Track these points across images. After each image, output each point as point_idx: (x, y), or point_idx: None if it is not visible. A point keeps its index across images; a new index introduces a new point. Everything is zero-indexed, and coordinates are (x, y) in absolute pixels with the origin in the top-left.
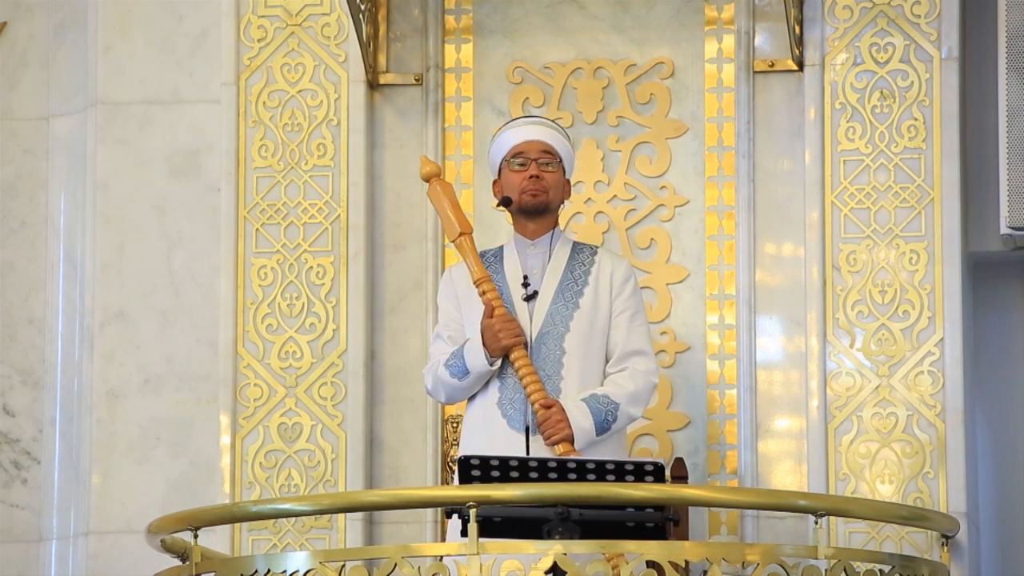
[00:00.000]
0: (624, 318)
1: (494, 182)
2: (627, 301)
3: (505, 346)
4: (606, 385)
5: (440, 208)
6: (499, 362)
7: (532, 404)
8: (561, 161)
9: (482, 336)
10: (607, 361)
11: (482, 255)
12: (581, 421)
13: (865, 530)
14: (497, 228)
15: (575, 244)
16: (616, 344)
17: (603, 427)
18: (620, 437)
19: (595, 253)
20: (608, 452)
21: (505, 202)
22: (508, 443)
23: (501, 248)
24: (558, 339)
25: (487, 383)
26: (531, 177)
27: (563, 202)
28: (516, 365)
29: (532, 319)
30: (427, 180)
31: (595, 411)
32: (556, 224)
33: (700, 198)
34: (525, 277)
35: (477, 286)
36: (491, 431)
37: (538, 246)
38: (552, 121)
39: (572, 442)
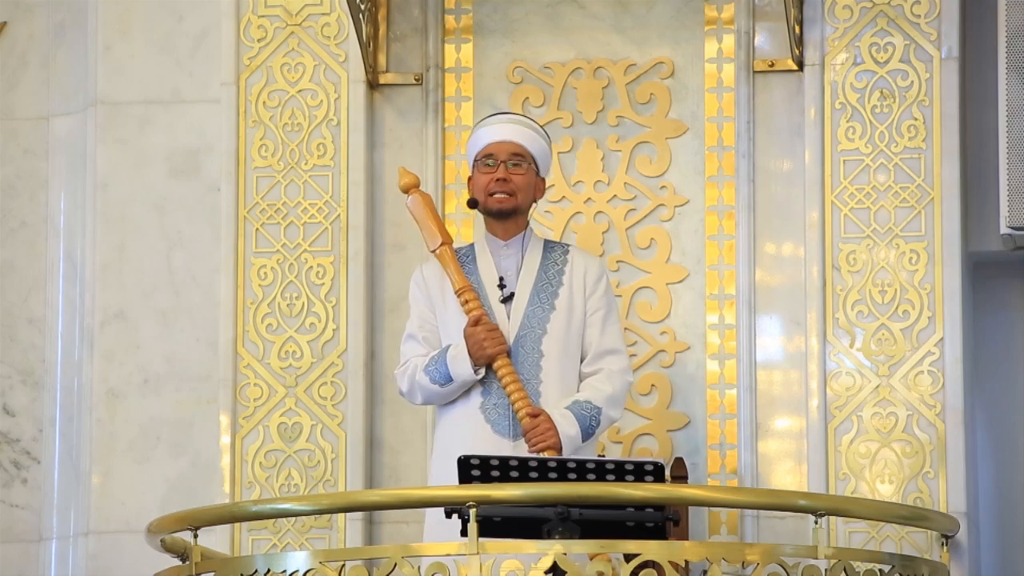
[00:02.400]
0: (598, 317)
1: (469, 179)
2: (600, 300)
3: (490, 355)
4: (584, 389)
5: (420, 219)
6: (484, 371)
7: (517, 412)
8: (533, 161)
9: (467, 344)
10: (582, 360)
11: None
12: (568, 429)
13: (865, 530)
14: (469, 225)
15: (547, 243)
16: (590, 343)
17: (588, 433)
18: (592, 440)
19: (567, 252)
20: (585, 451)
21: (471, 203)
22: (495, 449)
23: (472, 247)
24: (536, 341)
25: (468, 389)
26: (498, 180)
27: (535, 202)
28: (500, 374)
29: (510, 321)
30: (406, 191)
31: (580, 418)
32: (527, 225)
33: (700, 198)
34: (501, 279)
35: (459, 295)
36: (475, 436)
37: (511, 247)
38: (529, 118)
39: (558, 450)
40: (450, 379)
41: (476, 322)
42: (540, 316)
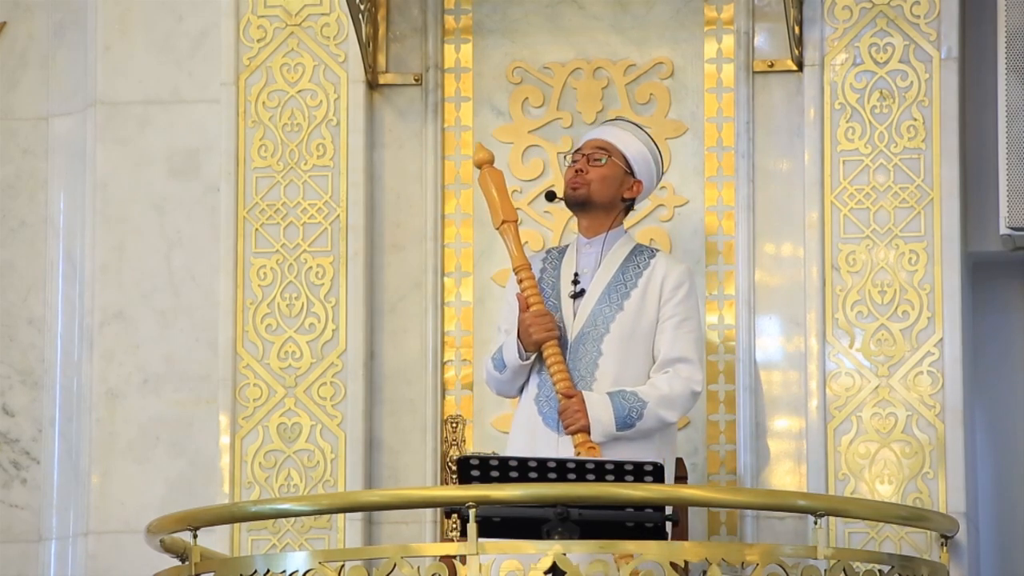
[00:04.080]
0: (671, 324)
1: None
2: (676, 307)
3: (537, 340)
4: (644, 385)
5: (487, 194)
6: (532, 357)
7: (557, 394)
8: (622, 158)
9: (518, 330)
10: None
11: (548, 251)
12: (600, 413)
13: (864, 530)
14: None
15: (636, 246)
16: (659, 349)
17: (625, 423)
18: (665, 438)
19: (653, 256)
20: (648, 453)
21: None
22: (545, 441)
23: (567, 246)
24: (597, 340)
25: (529, 379)
26: (576, 171)
27: (624, 201)
28: (546, 356)
29: (575, 317)
30: (479, 166)
31: (617, 406)
32: (617, 223)
33: (699, 198)
34: (576, 274)
35: (516, 273)
36: (529, 428)
37: (593, 245)
38: (630, 123)
39: (588, 432)
40: (504, 365)
41: (527, 308)
42: (606, 315)
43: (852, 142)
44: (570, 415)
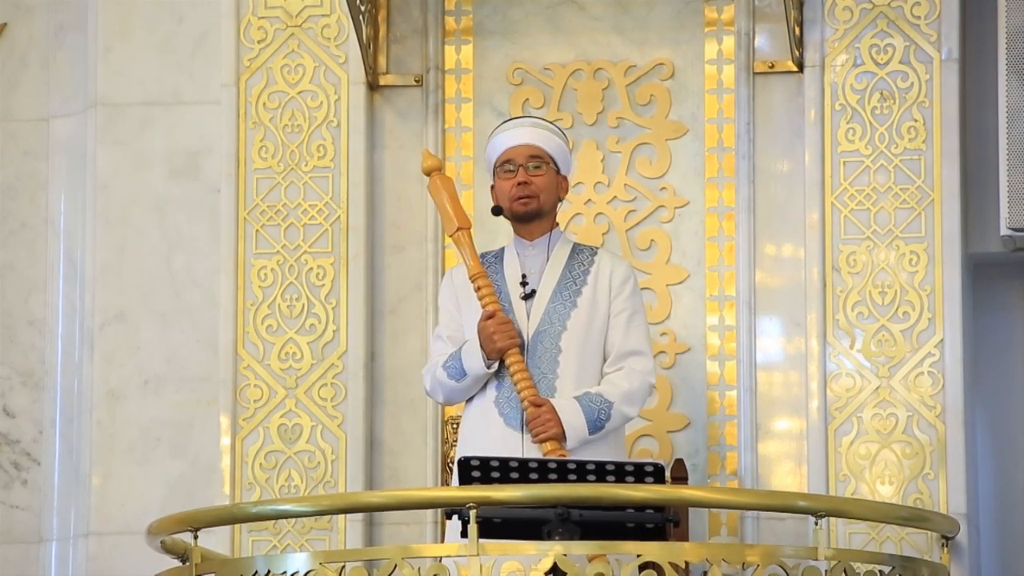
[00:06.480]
0: (622, 318)
1: (491, 187)
2: (626, 301)
3: (500, 348)
4: (602, 384)
5: (439, 202)
6: (496, 365)
7: (523, 402)
8: (553, 161)
9: (479, 338)
10: (605, 361)
11: (482, 256)
12: (572, 419)
13: (865, 531)
14: (496, 230)
15: (575, 245)
16: (613, 344)
17: (596, 426)
18: (617, 437)
19: (595, 254)
20: (605, 452)
21: (495, 211)
22: (505, 442)
23: (502, 250)
24: (555, 338)
25: (485, 383)
26: (519, 184)
27: (560, 201)
28: (509, 363)
29: (529, 318)
30: (428, 174)
31: (587, 409)
32: (555, 224)
33: (700, 199)
34: (524, 276)
35: (472, 281)
36: (488, 430)
37: (537, 247)
38: (544, 120)
39: (561, 440)
40: (464, 374)
41: (489, 316)
42: (560, 313)
43: (852, 143)
44: (541, 424)
